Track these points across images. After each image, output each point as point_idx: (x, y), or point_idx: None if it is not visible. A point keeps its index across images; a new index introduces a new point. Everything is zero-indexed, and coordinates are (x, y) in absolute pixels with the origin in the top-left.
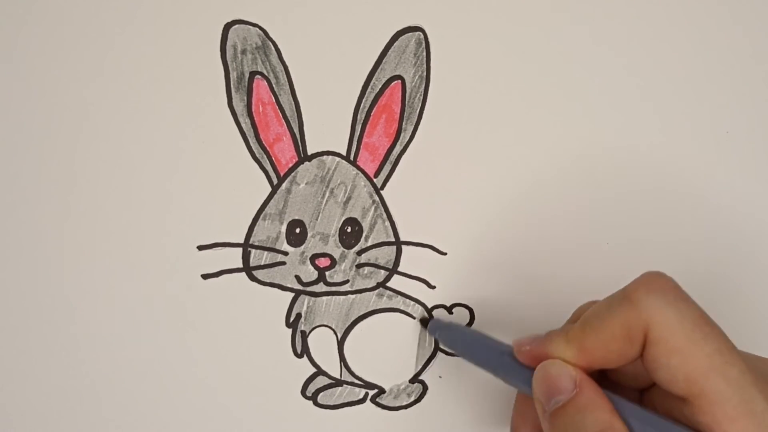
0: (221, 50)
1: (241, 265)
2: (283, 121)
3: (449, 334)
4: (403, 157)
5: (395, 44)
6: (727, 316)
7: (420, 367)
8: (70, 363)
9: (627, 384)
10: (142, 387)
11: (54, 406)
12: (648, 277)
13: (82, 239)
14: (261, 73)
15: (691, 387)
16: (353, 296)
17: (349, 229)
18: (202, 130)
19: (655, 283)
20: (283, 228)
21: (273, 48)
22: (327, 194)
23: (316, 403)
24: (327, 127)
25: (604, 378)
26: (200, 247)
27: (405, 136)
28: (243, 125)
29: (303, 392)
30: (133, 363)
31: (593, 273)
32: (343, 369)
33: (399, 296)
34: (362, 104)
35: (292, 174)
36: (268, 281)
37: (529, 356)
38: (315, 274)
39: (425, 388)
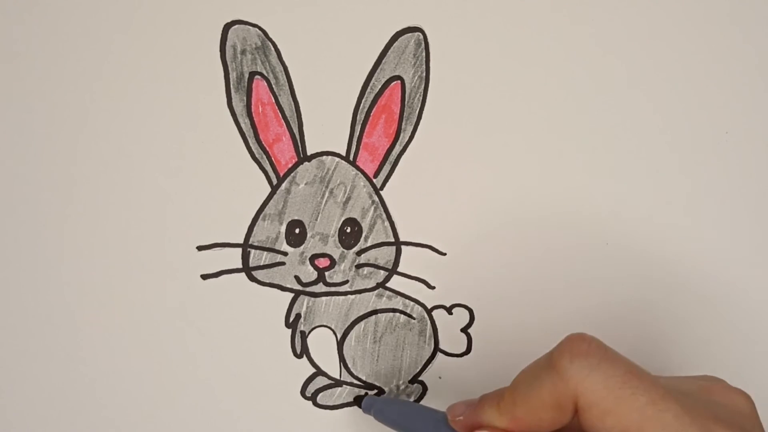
0: (221, 50)
1: (240, 266)
2: (282, 121)
3: (384, 408)
4: (403, 157)
5: (395, 45)
6: (732, 319)
7: (420, 367)
8: (70, 363)
9: None
10: (142, 387)
11: (54, 407)
12: (570, 342)
13: (81, 240)
14: (260, 74)
15: None
16: (353, 296)
17: (348, 230)
18: (202, 131)
19: (577, 349)
20: (283, 228)
21: (272, 48)
22: (326, 194)
23: (315, 404)
24: (326, 127)
25: None
26: (200, 248)
27: (404, 137)
28: (242, 125)
29: (302, 392)
30: (132, 363)
31: (593, 273)
32: (343, 369)
33: (399, 296)
34: (362, 104)
35: (292, 174)
36: (267, 281)
37: (463, 426)
38: (314, 275)
39: (425, 388)
